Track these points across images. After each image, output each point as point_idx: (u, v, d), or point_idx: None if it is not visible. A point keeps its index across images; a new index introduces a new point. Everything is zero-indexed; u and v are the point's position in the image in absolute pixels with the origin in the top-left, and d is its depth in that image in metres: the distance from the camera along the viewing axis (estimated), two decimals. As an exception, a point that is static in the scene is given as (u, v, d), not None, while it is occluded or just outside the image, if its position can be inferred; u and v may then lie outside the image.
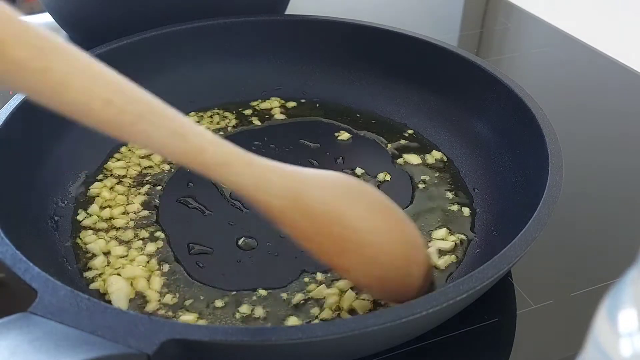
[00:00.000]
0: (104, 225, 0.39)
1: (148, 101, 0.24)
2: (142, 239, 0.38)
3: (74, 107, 0.23)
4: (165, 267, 0.36)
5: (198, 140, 0.25)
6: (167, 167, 0.44)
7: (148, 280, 0.35)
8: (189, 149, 0.25)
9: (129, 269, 0.35)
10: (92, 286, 0.34)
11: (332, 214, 0.28)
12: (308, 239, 0.29)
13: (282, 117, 0.49)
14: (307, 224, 0.28)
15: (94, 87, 0.22)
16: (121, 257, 0.36)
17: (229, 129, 0.48)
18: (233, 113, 0.50)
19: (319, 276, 0.35)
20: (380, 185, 0.42)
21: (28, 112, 0.39)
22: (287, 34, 0.51)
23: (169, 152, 0.25)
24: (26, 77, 0.21)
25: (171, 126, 0.25)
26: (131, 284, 0.35)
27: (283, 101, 0.51)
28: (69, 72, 0.22)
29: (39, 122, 0.40)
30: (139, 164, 0.44)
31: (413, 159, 0.45)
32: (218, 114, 0.49)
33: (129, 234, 0.38)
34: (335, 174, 0.30)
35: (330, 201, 0.28)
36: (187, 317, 0.32)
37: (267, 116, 0.50)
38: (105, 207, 0.40)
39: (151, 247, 0.37)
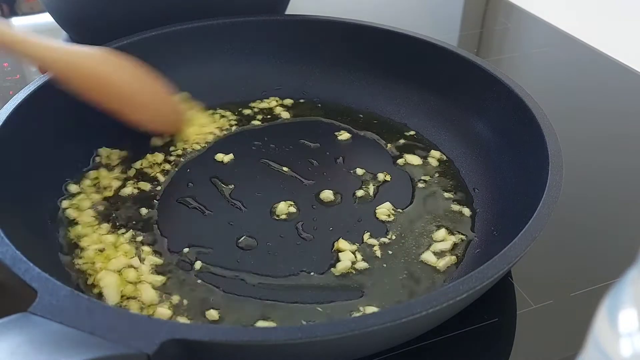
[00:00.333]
0: (103, 223, 0.39)
1: None
2: (142, 239, 0.38)
3: None
4: (165, 268, 0.36)
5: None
6: (167, 166, 0.44)
7: (148, 282, 0.35)
8: None
9: (131, 272, 0.35)
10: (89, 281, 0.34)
11: (109, 79, 0.42)
12: (96, 94, 0.41)
13: (282, 116, 0.49)
14: (91, 85, 0.41)
15: None
16: (120, 257, 0.36)
17: (230, 128, 0.48)
18: (233, 113, 0.50)
19: (317, 276, 0.35)
20: (380, 185, 0.42)
21: (28, 112, 0.39)
22: (287, 34, 0.51)
23: None
24: None
25: None
26: (132, 284, 0.35)
27: (283, 101, 0.51)
28: None
29: (39, 122, 0.40)
30: (139, 165, 0.44)
31: (413, 159, 0.45)
32: (218, 113, 0.49)
33: (128, 235, 0.38)
34: (106, 53, 0.42)
35: (106, 71, 0.41)
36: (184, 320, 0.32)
37: (267, 116, 0.50)
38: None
39: (151, 247, 0.37)
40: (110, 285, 0.34)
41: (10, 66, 0.58)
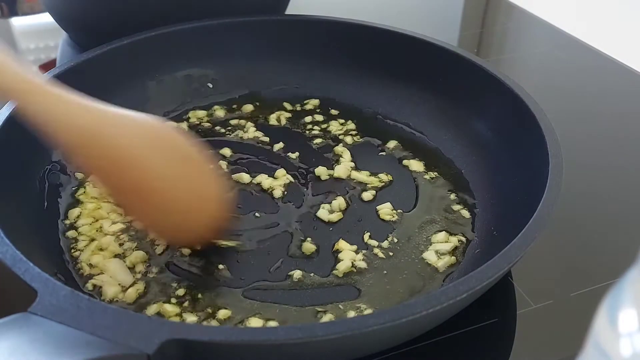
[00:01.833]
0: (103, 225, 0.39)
1: None
2: (141, 239, 0.38)
3: None
4: (164, 268, 0.36)
5: None
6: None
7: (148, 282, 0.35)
8: None
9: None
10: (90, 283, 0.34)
11: (131, 158, 0.28)
12: (106, 176, 0.29)
13: (283, 116, 0.49)
14: (105, 163, 0.28)
15: None
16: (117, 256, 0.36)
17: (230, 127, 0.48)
18: (233, 112, 0.50)
19: (317, 277, 0.35)
20: (382, 186, 0.42)
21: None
22: (287, 34, 0.51)
23: None
24: None
25: None
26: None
27: (283, 100, 0.51)
28: None
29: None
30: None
31: (414, 159, 0.45)
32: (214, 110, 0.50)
33: (125, 235, 0.38)
34: (144, 117, 0.29)
35: (130, 144, 0.28)
36: (192, 319, 0.32)
37: (267, 115, 0.50)
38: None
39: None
40: (109, 283, 0.34)
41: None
